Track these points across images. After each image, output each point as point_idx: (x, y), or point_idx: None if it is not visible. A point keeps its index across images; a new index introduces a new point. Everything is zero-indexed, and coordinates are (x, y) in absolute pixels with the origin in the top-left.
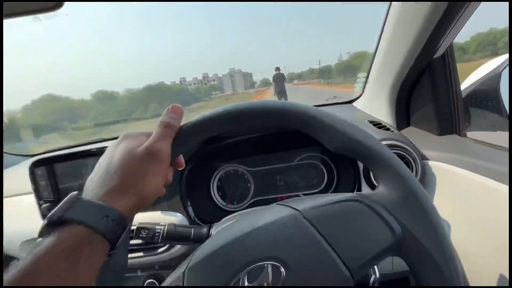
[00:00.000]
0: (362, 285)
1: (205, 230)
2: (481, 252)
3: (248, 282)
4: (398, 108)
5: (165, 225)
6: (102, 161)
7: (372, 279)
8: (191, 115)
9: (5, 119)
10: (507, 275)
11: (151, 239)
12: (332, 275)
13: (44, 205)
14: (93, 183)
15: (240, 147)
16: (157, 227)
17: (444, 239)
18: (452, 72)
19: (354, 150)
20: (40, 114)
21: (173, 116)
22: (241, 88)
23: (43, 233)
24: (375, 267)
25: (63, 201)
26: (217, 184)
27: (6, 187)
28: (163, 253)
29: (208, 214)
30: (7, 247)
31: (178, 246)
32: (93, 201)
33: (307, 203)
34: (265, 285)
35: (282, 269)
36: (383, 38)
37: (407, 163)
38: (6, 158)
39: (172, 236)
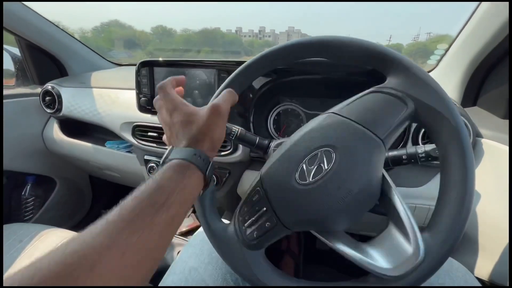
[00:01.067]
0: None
1: (266, 141)
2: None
3: (308, 166)
4: (470, 86)
5: (239, 128)
6: (176, 120)
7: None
8: None
9: (77, 36)
10: None
11: (227, 136)
12: (368, 144)
13: (143, 99)
14: (177, 140)
15: (303, 86)
16: (233, 127)
17: (448, 100)
18: None
19: (377, 58)
20: (106, 38)
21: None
22: None
23: (159, 168)
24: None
25: (167, 150)
26: (274, 118)
27: (106, 83)
28: (225, 156)
29: None
30: (111, 127)
31: (238, 153)
32: (184, 147)
33: (337, 106)
34: (321, 165)
35: (332, 151)
36: (475, 14)
37: None
38: (99, 61)
39: (242, 138)
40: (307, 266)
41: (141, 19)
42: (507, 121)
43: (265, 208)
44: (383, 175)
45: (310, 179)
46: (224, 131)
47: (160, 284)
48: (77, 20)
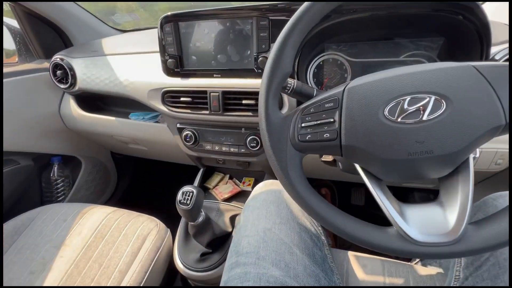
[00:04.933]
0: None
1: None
2: None
3: (408, 106)
4: None
5: (294, 81)
6: None
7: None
8: None
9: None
10: None
11: (282, 90)
12: (488, 118)
13: (170, 60)
14: None
15: (351, 28)
16: (289, 80)
17: None
18: None
19: None
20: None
21: None
22: None
23: None
24: (477, 149)
25: None
26: (314, 70)
27: (122, 49)
28: None
29: None
30: (137, 96)
31: (284, 110)
32: None
33: (482, 62)
34: (421, 111)
35: (444, 103)
36: None
37: None
38: (102, 27)
39: (299, 91)
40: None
41: None
42: None
43: (332, 120)
44: (468, 157)
45: (399, 119)
46: None
47: (234, 247)
48: None
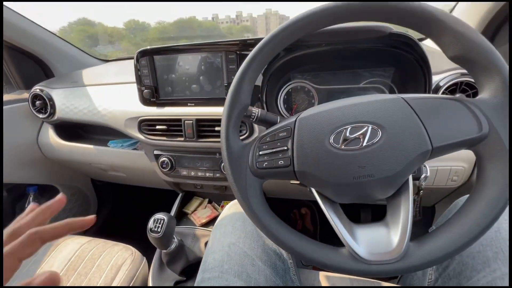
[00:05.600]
0: (414, 178)
1: (290, 120)
2: None
3: (349, 134)
4: None
5: (258, 110)
6: None
7: (422, 176)
8: None
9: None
10: None
11: (248, 117)
12: (417, 144)
13: (146, 91)
14: None
15: (313, 60)
16: (253, 109)
17: None
18: None
19: (475, 60)
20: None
21: None
22: None
23: None
24: (427, 166)
25: None
26: (284, 97)
27: (100, 79)
28: (243, 140)
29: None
30: (114, 125)
31: (254, 136)
32: None
33: (411, 95)
34: (361, 139)
35: (379, 131)
36: None
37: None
38: (85, 58)
39: (263, 119)
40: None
41: (110, 15)
42: None
43: (286, 148)
44: (407, 179)
45: (343, 146)
46: None
47: (202, 265)
48: (41, 22)
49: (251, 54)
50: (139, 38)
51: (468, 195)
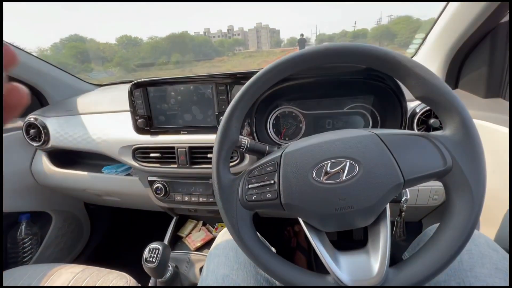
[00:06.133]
0: (395, 201)
1: (276, 148)
2: (495, 188)
3: (330, 169)
4: (450, 70)
5: (248, 140)
6: None
7: (403, 199)
8: (213, 70)
9: (35, 55)
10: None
11: (238, 147)
12: (390, 178)
13: (140, 120)
14: None
15: (298, 90)
16: (243, 139)
17: (484, 179)
18: None
19: (437, 101)
20: (68, 54)
21: None
22: (266, 46)
23: None
24: (407, 190)
25: None
26: (273, 122)
27: (95, 107)
28: (232, 167)
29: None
30: (108, 152)
31: (245, 163)
32: None
33: (384, 131)
34: (340, 173)
35: (357, 167)
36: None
37: None
38: (79, 84)
39: (252, 149)
40: (318, 259)
41: (102, 30)
42: (488, 100)
43: (273, 181)
44: (385, 208)
45: (324, 180)
46: None
47: None
48: (31, 37)
49: (237, 95)
50: (131, 52)
51: (437, 224)
